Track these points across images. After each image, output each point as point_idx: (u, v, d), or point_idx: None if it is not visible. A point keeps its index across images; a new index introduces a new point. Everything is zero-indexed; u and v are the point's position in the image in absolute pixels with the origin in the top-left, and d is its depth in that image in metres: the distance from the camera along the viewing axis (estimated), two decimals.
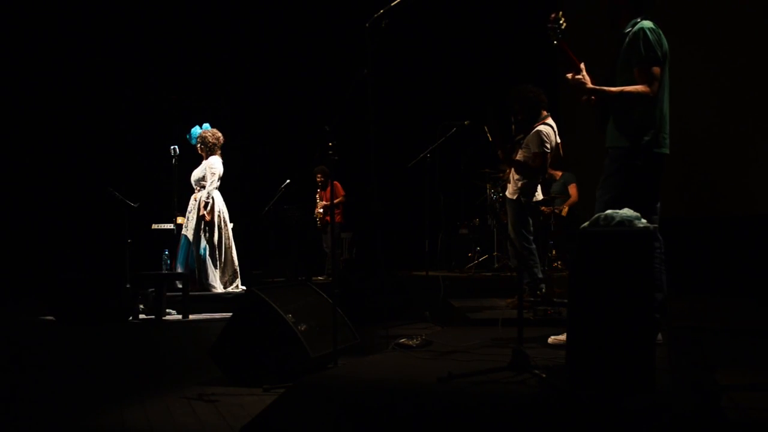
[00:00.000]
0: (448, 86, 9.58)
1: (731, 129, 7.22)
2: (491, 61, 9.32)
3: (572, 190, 7.81)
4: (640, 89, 3.17)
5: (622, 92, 3.20)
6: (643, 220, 2.59)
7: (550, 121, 5.29)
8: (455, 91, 9.42)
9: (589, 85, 3.27)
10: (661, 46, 3.22)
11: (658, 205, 3.36)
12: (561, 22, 3.22)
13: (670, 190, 3.44)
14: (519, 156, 5.35)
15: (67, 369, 4.00)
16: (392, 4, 3.44)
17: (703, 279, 6.40)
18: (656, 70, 3.19)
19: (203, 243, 6.86)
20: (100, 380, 3.65)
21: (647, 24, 3.25)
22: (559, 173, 7.98)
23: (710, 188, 7.36)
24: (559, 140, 5.47)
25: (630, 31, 3.29)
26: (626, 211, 2.61)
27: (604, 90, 3.24)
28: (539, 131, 5.19)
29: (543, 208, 7.45)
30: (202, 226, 6.88)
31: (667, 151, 3.32)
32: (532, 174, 5.26)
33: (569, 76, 3.30)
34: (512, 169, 5.42)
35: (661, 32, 3.26)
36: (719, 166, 7.31)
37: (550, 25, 3.24)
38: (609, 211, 2.64)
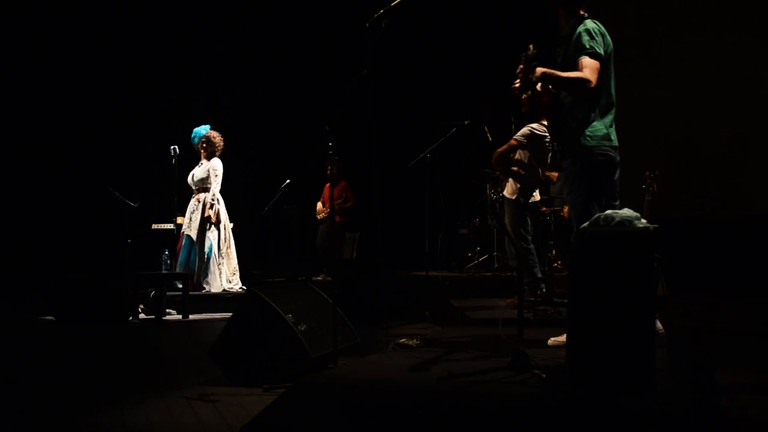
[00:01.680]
0: (448, 86, 9.57)
1: (731, 129, 7.22)
2: (492, 61, 9.32)
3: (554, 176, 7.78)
4: (581, 75, 3.22)
5: (568, 77, 3.24)
6: (643, 220, 2.59)
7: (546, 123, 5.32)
8: (455, 91, 9.42)
9: (540, 69, 3.24)
10: (604, 44, 3.31)
11: (617, 203, 3.42)
12: (534, 52, 3.19)
13: (670, 191, 3.44)
14: (516, 155, 5.38)
15: (67, 369, 4.00)
16: (392, 4, 3.44)
17: (703, 279, 6.40)
18: (597, 62, 3.25)
19: (208, 243, 6.90)
20: (100, 380, 3.65)
21: (590, 24, 3.35)
22: (556, 174, 7.97)
23: (710, 188, 7.36)
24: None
25: (573, 32, 3.37)
26: (626, 211, 2.61)
27: (555, 73, 3.25)
28: (528, 125, 5.25)
29: (543, 208, 7.45)
30: (208, 227, 6.92)
31: (616, 144, 3.40)
32: (527, 173, 5.27)
33: (517, 84, 3.27)
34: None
35: (605, 31, 3.36)
36: (719, 166, 7.31)
37: (532, 64, 3.18)
38: (609, 212, 2.64)
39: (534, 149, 5.32)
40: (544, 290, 5.31)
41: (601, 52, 3.28)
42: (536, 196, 5.48)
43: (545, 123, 5.31)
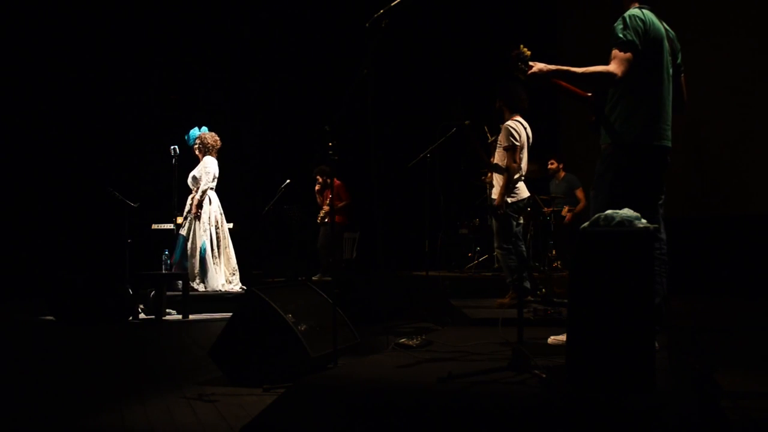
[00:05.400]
0: (448, 86, 9.57)
1: (732, 128, 7.22)
2: (492, 61, 9.32)
3: (580, 194, 7.78)
4: (603, 69, 3.03)
5: (585, 72, 3.06)
6: (643, 220, 2.58)
7: (518, 118, 5.32)
8: (455, 91, 9.42)
9: (548, 66, 3.12)
10: (641, 32, 3.06)
11: (661, 202, 3.26)
12: (525, 53, 3.12)
13: (671, 190, 3.41)
14: (496, 157, 5.37)
15: (67, 369, 4.00)
16: (392, 4, 3.44)
17: (703, 279, 6.40)
18: (626, 53, 3.02)
19: (200, 242, 6.89)
20: (100, 380, 3.65)
21: (630, 11, 3.13)
22: (563, 173, 7.97)
23: (710, 188, 7.37)
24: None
25: None
26: (626, 211, 2.61)
27: (568, 70, 3.09)
28: (506, 126, 5.27)
29: (545, 209, 7.45)
30: (198, 225, 6.92)
31: (666, 143, 3.19)
32: (509, 172, 5.25)
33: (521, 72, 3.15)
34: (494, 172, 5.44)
35: (650, 19, 3.12)
36: (720, 165, 7.32)
37: (520, 65, 3.12)
38: (609, 211, 2.63)
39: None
40: (544, 290, 5.31)
41: (636, 40, 3.03)
42: (524, 192, 5.37)
43: (516, 119, 5.31)
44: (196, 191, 7.01)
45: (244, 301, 3.52)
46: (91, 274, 6.37)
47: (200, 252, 6.88)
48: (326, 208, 8.78)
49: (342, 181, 8.78)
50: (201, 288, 6.84)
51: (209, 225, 6.97)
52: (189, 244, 6.89)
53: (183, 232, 6.95)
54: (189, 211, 7.02)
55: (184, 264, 6.85)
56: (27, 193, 8.75)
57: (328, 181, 8.67)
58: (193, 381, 3.45)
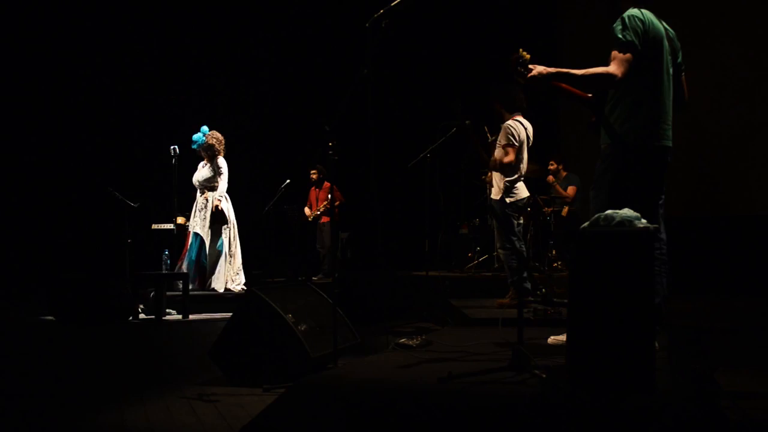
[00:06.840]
0: (448, 86, 9.57)
1: (732, 129, 7.22)
2: (492, 61, 9.31)
3: (570, 191, 7.82)
4: (603, 70, 3.03)
5: (585, 74, 3.05)
6: (644, 220, 2.58)
7: (519, 117, 5.32)
8: (455, 91, 9.42)
9: (547, 69, 3.10)
10: (640, 33, 3.06)
11: (661, 202, 3.25)
12: (525, 57, 3.12)
13: (671, 190, 3.41)
14: (495, 156, 5.37)
15: (67, 369, 4.00)
16: (392, 4, 3.43)
17: (703, 279, 6.40)
18: (626, 54, 3.02)
19: (219, 242, 6.95)
20: (100, 380, 3.65)
21: (629, 11, 3.12)
22: (564, 173, 7.99)
23: (710, 188, 7.37)
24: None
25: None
26: (626, 211, 2.61)
27: (568, 72, 3.08)
28: (506, 126, 5.27)
29: (545, 209, 7.46)
30: (224, 226, 6.99)
31: (667, 143, 3.18)
32: (508, 171, 5.24)
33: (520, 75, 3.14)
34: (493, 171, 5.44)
35: (650, 19, 3.12)
36: (720, 165, 7.32)
37: (520, 69, 3.12)
38: (609, 212, 2.63)
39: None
40: (544, 290, 5.30)
41: (635, 40, 3.02)
42: (524, 192, 5.37)
43: (517, 118, 5.31)
44: (207, 190, 7.04)
45: (244, 301, 3.52)
46: (91, 274, 6.38)
47: (219, 251, 6.98)
48: (314, 211, 8.89)
49: (337, 181, 8.83)
50: (218, 287, 6.87)
51: (230, 225, 7.07)
52: (209, 245, 6.96)
53: (200, 231, 6.96)
54: (201, 210, 7.02)
55: (203, 263, 6.89)
56: (27, 193, 8.75)
57: (322, 179, 8.81)
58: (193, 381, 3.45)
